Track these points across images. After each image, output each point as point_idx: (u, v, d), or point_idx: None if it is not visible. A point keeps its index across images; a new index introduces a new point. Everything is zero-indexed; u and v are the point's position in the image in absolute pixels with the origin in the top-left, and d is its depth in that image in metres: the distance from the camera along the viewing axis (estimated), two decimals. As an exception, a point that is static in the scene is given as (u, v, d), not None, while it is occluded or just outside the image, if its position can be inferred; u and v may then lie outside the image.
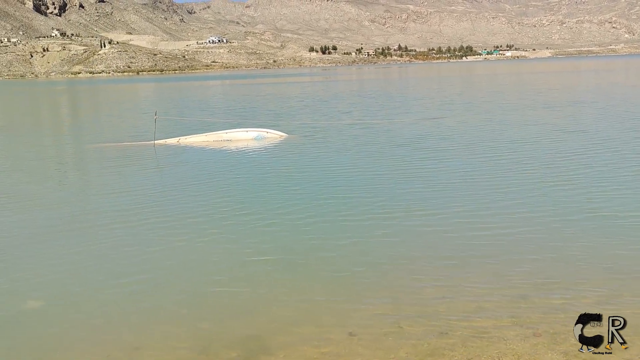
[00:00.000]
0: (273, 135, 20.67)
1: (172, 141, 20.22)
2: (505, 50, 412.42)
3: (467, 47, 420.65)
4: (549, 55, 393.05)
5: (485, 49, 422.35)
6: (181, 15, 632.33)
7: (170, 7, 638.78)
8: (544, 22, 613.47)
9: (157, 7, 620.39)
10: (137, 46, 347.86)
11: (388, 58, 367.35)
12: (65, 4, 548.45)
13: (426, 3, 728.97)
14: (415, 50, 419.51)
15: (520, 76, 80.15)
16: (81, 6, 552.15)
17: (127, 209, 10.77)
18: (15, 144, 22.95)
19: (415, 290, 6.67)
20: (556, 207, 9.81)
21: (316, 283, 7.00)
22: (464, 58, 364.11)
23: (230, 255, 8.01)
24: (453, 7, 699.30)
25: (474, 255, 7.69)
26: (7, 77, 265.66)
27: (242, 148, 18.65)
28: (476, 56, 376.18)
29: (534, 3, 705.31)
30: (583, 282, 6.71)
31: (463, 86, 57.73)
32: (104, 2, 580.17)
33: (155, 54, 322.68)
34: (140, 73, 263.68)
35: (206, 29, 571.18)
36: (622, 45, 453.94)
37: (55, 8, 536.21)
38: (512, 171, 13.05)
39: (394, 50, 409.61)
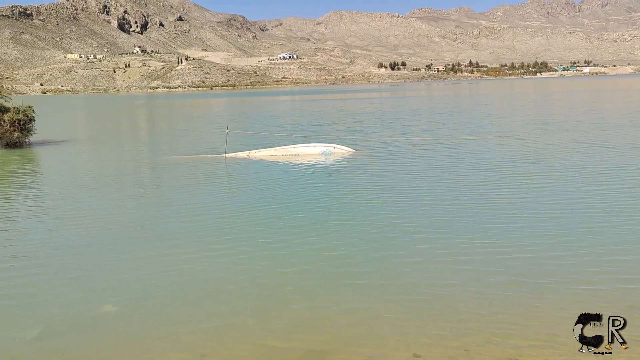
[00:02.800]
0: (340, 151, 20.81)
1: (242, 155, 20.78)
2: (583, 66, 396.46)
3: (541, 63, 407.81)
4: (631, 71, 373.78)
5: (561, 65, 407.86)
6: (254, 33, 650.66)
7: (244, 25, 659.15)
8: (625, 36, 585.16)
9: (232, 24, 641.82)
10: (212, 62, 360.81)
11: (458, 74, 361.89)
12: (146, 23, 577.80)
13: (499, 19, 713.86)
14: (486, 66, 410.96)
15: (603, 94, 76.59)
16: (161, 24, 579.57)
17: (198, 221, 11.15)
18: (97, 154, 24.29)
19: (484, 314, 6.44)
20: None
21: (381, 301, 6.93)
22: (538, 74, 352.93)
23: (295, 270, 8.10)
24: (527, 22, 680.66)
25: (548, 281, 7.38)
26: (92, 91, 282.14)
27: (309, 163, 18.89)
28: (551, 72, 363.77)
29: (614, 17, 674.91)
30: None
31: (540, 103, 55.86)
32: (182, 20, 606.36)
33: (228, 70, 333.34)
34: (214, 88, 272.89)
35: (277, 46, 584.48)
36: None
37: (137, 26, 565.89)
38: (597, 195, 12.49)
39: (465, 66, 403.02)
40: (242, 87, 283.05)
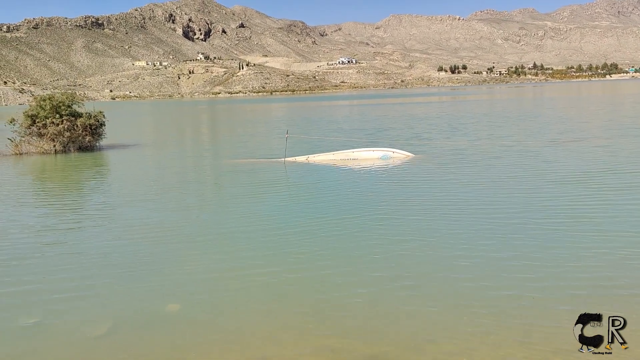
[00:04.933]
0: (399, 155, 20.68)
1: (301, 159, 21.00)
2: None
3: (611, 65, 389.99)
4: None
5: (632, 67, 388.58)
6: (313, 38, 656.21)
7: (304, 30, 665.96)
8: None
9: (292, 30, 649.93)
10: (272, 68, 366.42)
11: (522, 77, 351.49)
12: (210, 30, 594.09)
13: (565, 19, 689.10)
14: (552, 69, 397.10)
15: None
16: (224, 31, 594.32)
17: (258, 224, 11.33)
18: (162, 158, 25.17)
19: (549, 327, 6.20)
20: None
21: (440, 307, 6.85)
22: (607, 76, 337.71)
23: (353, 273, 8.11)
24: (596, 23, 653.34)
25: (621, 287, 7.05)
26: (158, 97, 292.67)
27: (367, 167, 18.86)
28: (622, 74, 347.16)
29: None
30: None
31: (614, 106, 53.47)
32: (244, 27, 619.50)
33: (287, 75, 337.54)
34: (274, 93, 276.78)
35: (336, 50, 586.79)
36: None
37: (201, 34, 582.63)
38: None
39: (529, 68, 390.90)
40: (301, 91, 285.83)
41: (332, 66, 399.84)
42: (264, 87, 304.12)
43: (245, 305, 7.24)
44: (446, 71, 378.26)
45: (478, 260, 8.45)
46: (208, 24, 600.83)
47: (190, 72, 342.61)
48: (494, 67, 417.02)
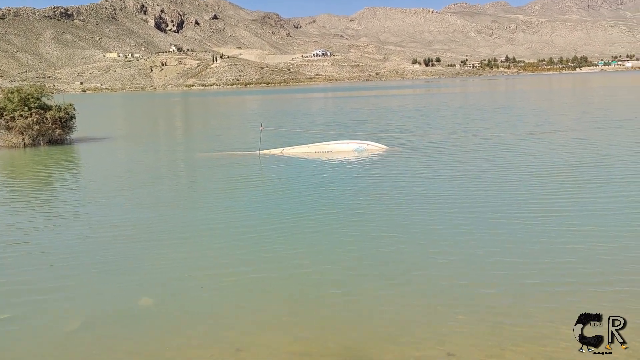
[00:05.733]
0: (374, 148, 20.75)
1: (276, 151, 20.92)
2: (624, 60, 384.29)
3: (581, 58, 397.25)
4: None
5: (602, 60, 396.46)
6: (288, 30, 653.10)
7: (278, 22, 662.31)
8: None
9: (266, 22, 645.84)
10: (246, 60, 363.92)
11: (494, 70, 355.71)
12: (182, 21, 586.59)
13: (537, 12, 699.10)
14: (523, 62, 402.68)
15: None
16: (197, 23, 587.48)
17: (232, 217, 11.29)
18: (134, 151, 24.81)
19: (521, 313, 6.35)
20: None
21: (415, 297, 6.92)
22: (577, 69, 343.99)
23: (330, 266, 8.13)
24: (567, 16, 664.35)
25: (587, 275, 7.24)
26: (130, 89, 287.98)
27: (341, 160, 18.89)
28: (591, 67, 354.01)
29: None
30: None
31: (587, 99, 54.51)
32: (217, 18, 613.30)
33: (262, 67, 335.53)
34: (248, 85, 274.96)
35: (311, 43, 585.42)
36: None
37: (173, 25, 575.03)
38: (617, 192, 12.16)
39: (501, 61, 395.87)
40: (276, 84, 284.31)
41: (306, 59, 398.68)
42: (238, 80, 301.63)
43: (220, 299, 7.20)
44: (420, 64, 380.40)
45: (453, 253, 8.55)
46: (181, 15, 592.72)
47: (162, 64, 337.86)
48: (467, 59, 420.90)
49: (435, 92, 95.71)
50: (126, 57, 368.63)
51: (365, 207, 11.59)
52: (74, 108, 27.60)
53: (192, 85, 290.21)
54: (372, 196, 12.74)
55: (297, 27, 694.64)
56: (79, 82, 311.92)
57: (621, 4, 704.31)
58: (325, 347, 5.80)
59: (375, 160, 18.76)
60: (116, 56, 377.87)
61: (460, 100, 61.95)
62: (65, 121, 26.98)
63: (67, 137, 27.56)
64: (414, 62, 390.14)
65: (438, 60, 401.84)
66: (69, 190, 15.52)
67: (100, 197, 13.99)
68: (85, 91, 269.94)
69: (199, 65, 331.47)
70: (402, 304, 6.76)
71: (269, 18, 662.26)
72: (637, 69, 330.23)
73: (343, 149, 20.70)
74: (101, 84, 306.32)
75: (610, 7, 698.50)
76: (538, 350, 5.49)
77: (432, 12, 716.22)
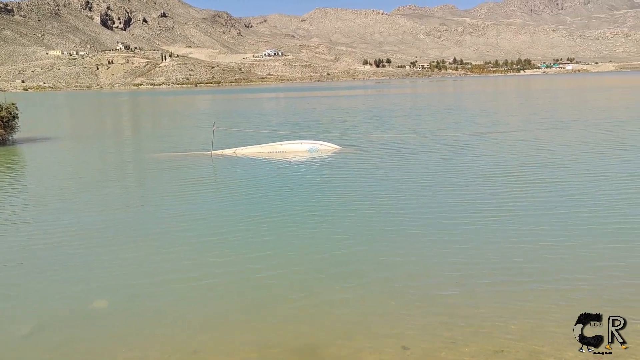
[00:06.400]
0: (327, 148, 20.90)
1: (228, 152, 20.76)
2: (565, 63, 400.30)
3: (525, 61, 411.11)
4: (613, 68, 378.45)
5: (544, 62, 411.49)
6: (239, 29, 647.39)
7: (229, 22, 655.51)
8: (607, 34, 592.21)
9: (216, 21, 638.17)
10: (196, 59, 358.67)
11: (443, 71, 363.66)
12: (130, 19, 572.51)
13: (483, 16, 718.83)
14: (470, 64, 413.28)
15: (591, 92, 77.52)
16: (144, 21, 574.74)
17: (185, 219, 11.16)
18: (80, 152, 24.09)
19: (471, 307, 6.59)
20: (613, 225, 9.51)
21: (370, 295, 7.05)
22: (521, 71, 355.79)
23: (285, 267, 8.17)
24: (511, 20, 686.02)
25: (534, 273, 7.55)
26: (75, 88, 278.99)
27: (295, 160, 18.94)
28: (535, 70, 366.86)
29: (596, 15, 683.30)
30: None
31: (533, 100, 56.38)
32: (166, 16, 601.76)
33: (213, 67, 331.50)
34: (198, 85, 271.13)
35: (262, 42, 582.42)
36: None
37: (120, 22, 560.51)
38: (597, 191, 12.72)
39: (449, 63, 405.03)
40: (227, 83, 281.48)
41: (258, 58, 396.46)
42: (188, 79, 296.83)
43: (176, 301, 7.13)
44: (371, 65, 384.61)
45: (407, 253, 8.75)
46: (128, 12, 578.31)
47: (109, 63, 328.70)
48: (416, 61, 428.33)
49: (386, 92, 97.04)
50: (70, 55, 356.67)
51: (319, 209, 11.68)
52: (16, 107, 26.54)
53: (141, 85, 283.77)
54: (326, 197, 12.85)
55: (248, 27, 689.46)
56: (20, 80, 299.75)
57: (562, 9, 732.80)
58: (283, 346, 5.83)
59: (329, 160, 18.89)
60: (60, 54, 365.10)
61: (411, 101, 63.05)
62: (7, 121, 25.92)
63: (10, 138, 26.49)
64: (365, 63, 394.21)
65: (388, 61, 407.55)
66: (13, 194, 14.92)
67: (47, 200, 13.53)
68: (27, 90, 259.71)
69: (147, 64, 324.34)
70: (358, 302, 6.88)
71: (219, 17, 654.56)
72: (577, 71, 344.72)
73: (296, 149, 20.75)
74: (44, 83, 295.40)
75: (552, 12, 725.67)
76: (487, 343, 5.71)
77: (382, 14, 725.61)
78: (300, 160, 18.76)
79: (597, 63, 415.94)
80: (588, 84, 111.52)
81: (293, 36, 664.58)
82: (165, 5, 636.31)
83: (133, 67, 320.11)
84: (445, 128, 28.02)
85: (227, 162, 18.94)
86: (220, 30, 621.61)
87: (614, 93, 66.98)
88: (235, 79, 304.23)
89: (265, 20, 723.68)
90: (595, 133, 23.58)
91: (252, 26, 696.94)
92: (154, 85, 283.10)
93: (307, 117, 39.73)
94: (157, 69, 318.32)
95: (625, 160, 16.60)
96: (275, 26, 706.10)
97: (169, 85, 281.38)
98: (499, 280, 7.35)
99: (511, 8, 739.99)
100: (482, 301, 6.73)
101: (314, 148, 20.74)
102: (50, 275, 8.10)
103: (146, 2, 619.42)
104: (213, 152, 20.57)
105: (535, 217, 10.30)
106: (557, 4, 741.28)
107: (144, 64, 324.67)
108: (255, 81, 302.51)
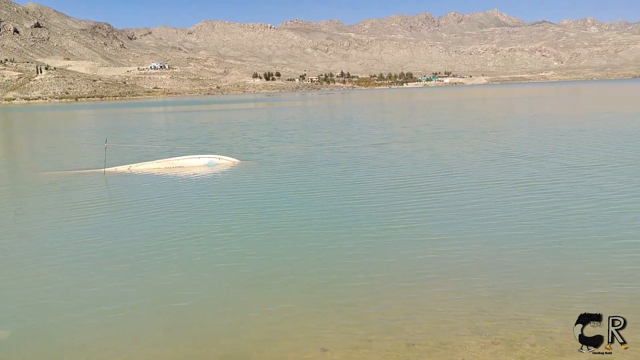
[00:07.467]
0: (226, 162, 20.79)
1: (122, 169, 19.98)
2: (443, 76, 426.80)
3: (407, 74, 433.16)
4: (485, 81, 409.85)
5: (424, 76, 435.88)
6: (121, 41, 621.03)
7: (110, 33, 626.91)
8: (479, 50, 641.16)
9: (97, 32, 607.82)
10: (76, 72, 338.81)
11: (331, 84, 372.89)
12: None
13: (367, 31, 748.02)
14: (357, 77, 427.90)
15: (464, 103, 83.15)
16: (16, 31, 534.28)
17: (81, 241, 10.64)
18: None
19: (382, 307, 7.01)
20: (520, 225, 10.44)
21: (286, 302, 7.25)
22: (404, 84, 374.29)
23: (197, 280, 8.15)
24: (393, 35, 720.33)
25: (436, 273, 8.14)
26: None
27: (194, 175, 18.64)
28: (416, 82, 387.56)
29: (469, 32, 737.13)
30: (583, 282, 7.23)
31: (421, 112, 59.36)
32: (40, 27, 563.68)
33: (94, 80, 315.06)
34: (79, 99, 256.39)
35: (147, 55, 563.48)
36: (552, 72, 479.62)
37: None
38: (475, 191, 13.72)
39: (337, 76, 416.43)
40: (111, 97, 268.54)
41: (143, 71, 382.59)
42: (67, 93, 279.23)
43: (83, 323, 6.88)
44: (261, 78, 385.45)
45: (316, 262, 9.07)
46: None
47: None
48: (305, 74, 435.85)
49: (278, 105, 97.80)
50: None
51: (223, 224, 11.63)
52: None
53: (13, 99, 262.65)
54: (229, 212, 12.81)
55: (131, 39, 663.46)
56: None
57: (438, 26, 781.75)
58: (205, 357, 5.88)
59: (229, 174, 18.81)
60: None
61: (305, 113, 64.11)
62: None
63: None
64: (255, 76, 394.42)
65: (278, 74, 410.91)
66: None
67: None
68: None
69: (20, 77, 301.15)
70: (275, 310, 7.05)
71: (100, 28, 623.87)
72: (454, 84, 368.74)
73: (194, 164, 20.43)
74: None
75: (429, 28, 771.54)
76: (398, 337, 6.08)
77: (270, 28, 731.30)
78: (199, 176, 18.49)
79: (471, 76, 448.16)
80: (465, 95, 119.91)
81: (180, 49, 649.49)
82: (39, 14, 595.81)
83: (4, 81, 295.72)
84: (344, 140, 28.51)
85: (121, 180, 18.21)
86: (102, 42, 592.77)
87: (490, 104, 72.74)
88: (120, 93, 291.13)
89: (149, 32, 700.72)
90: (484, 142, 25.25)
91: (135, 38, 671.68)
92: (29, 99, 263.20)
93: (201, 132, 39.15)
94: (31, 82, 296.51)
95: (514, 166, 18.09)
96: (160, 38, 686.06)
97: (46, 99, 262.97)
98: (404, 282, 7.85)
99: (392, 24, 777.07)
100: (391, 301, 7.17)
101: (212, 162, 20.53)
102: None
103: (17, 11, 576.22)
104: (106, 169, 19.70)
105: (436, 223, 11.03)
106: (434, 22, 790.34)
107: (17, 77, 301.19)
108: (141, 95, 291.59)
